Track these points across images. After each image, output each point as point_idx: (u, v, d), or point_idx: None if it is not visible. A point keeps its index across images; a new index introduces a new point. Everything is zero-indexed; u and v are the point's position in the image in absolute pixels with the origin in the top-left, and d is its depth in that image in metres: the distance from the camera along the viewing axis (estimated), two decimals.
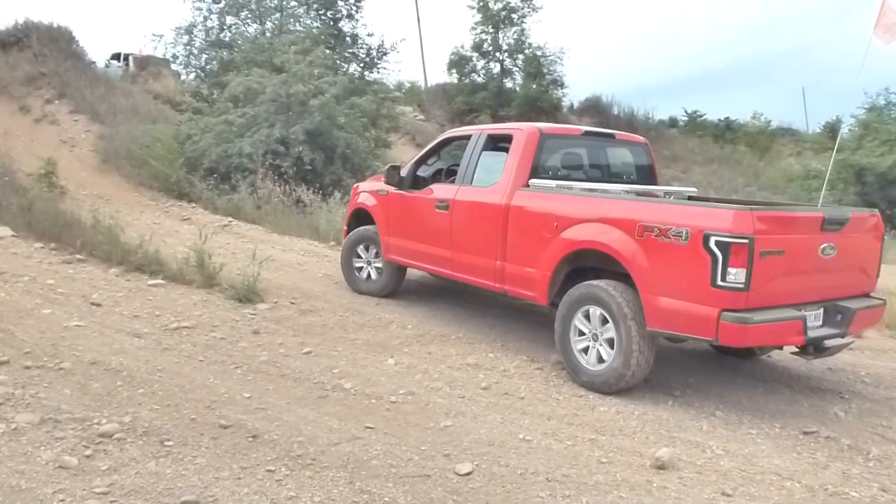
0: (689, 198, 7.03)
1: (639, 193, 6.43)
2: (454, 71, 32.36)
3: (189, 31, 18.68)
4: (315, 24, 18.65)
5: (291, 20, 18.47)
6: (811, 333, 5.02)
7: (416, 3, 34.96)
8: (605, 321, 5.40)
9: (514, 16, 30.86)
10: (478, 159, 6.97)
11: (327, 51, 17.70)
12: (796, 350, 5.34)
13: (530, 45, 31.18)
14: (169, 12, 38.98)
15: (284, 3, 19.29)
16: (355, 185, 9.23)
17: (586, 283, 5.58)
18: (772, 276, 4.78)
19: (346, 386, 5.33)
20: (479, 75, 32.29)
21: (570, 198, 5.96)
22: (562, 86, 31.23)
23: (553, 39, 44.35)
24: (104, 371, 5.33)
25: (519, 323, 7.50)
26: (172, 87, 24.68)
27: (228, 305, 7.61)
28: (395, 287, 8.39)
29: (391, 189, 7.92)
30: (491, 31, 31.36)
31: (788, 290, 4.97)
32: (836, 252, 5.13)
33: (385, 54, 18.86)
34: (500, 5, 30.82)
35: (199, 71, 19.33)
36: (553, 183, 6.40)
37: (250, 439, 4.25)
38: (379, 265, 8.40)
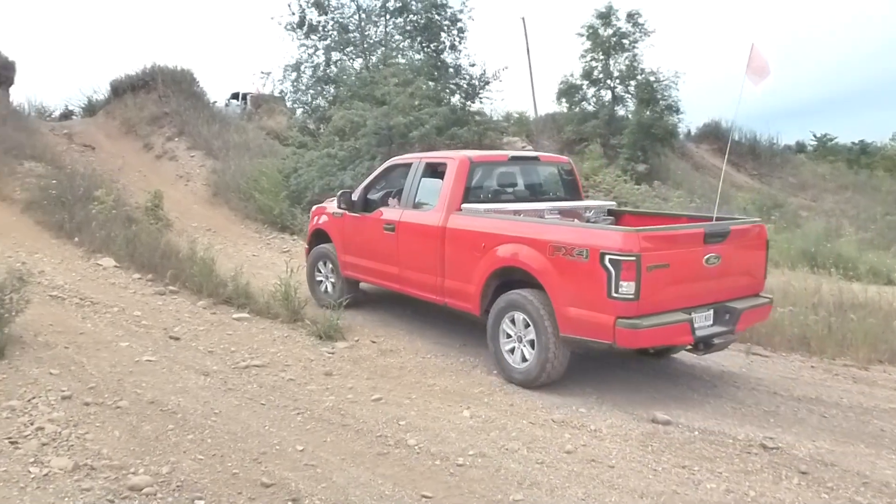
0: (609, 211, 7.82)
1: (560, 211, 7.35)
2: (563, 100, 31.67)
3: (297, 67, 18.95)
4: (418, 57, 18.50)
5: (395, 53, 18.40)
6: (699, 333, 5.72)
7: (525, 33, 34.62)
8: (527, 325, 6.09)
9: (626, 41, 29.90)
10: (418, 185, 7.61)
11: (430, 83, 17.51)
12: (689, 347, 6.11)
13: (643, 70, 30.04)
14: (281, 51, 40.10)
15: (388, 37, 19.31)
16: (314, 208, 9.76)
17: (511, 292, 6.24)
18: (659, 287, 5.44)
19: (411, 442, 4.79)
20: (589, 103, 31.45)
21: (495, 221, 6.57)
22: (677, 111, 29.85)
23: (667, 64, 42.94)
24: (160, 412, 5.06)
25: (618, 371, 6.73)
26: (284, 123, 25.29)
27: (308, 343, 7.28)
28: (350, 297, 8.60)
29: (345, 211, 8.47)
30: (601, 57, 30.52)
31: (677, 297, 5.63)
32: (720, 261, 5.83)
33: (487, 84, 18.48)
34: (610, 31, 29.97)
35: (305, 106, 19.57)
36: (482, 207, 7.00)
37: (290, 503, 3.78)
38: (333, 280, 8.99)
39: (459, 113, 17.49)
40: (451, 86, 18.80)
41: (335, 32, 19.15)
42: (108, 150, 21.08)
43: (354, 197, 8.35)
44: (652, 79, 29.97)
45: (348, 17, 19.60)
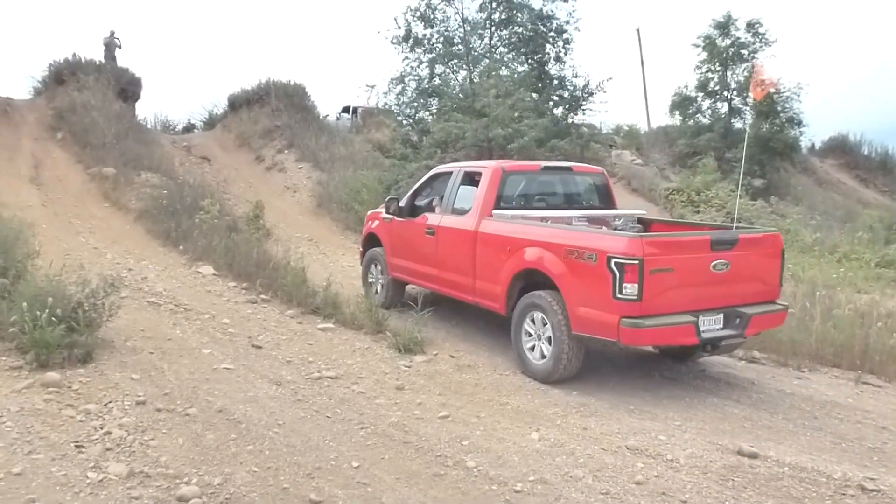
0: (639, 220, 8.20)
1: (589, 218, 7.68)
2: (677, 112, 30.50)
3: (401, 80, 19.14)
4: (521, 68, 18.29)
5: (498, 65, 18.26)
6: (706, 335, 5.97)
7: (640, 44, 33.81)
8: (545, 324, 6.43)
9: (745, 52, 28.47)
10: (457, 192, 8.05)
11: (533, 94, 17.26)
12: (699, 348, 6.45)
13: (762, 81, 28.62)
14: (387, 65, 40.67)
15: (493, 49, 19.21)
16: (369, 213, 10.26)
17: (531, 293, 6.61)
18: (662, 289, 5.73)
19: (470, 464, 4.54)
20: (704, 116, 30.13)
21: (519, 226, 6.98)
22: (799, 124, 28.17)
23: (789, 74, 40.69)
24: (226, 420, 5.06)
25: (709, 398, 6.25)
26: (390, 136, 25.65)
27: (387, 355, 7.17)
28: (396, 299, 9.21)
29: (394, 217, 8.97)
30: (718, 69, 29.21)
31: (683, 299, 5.91)
32: (728, 267, 6.06)
33: (591, 95, 18.05)
34: (728, 42, 28.67)
35: (409, 118, 19.72)
36: (510, 213, 7.38)
37: None
38: (383, 281, 9.44)
39: (561, 124, 17.14)
40: (554, 97, 18.48)
41: (440, 45, 19.23)
42: (222, 162, 21.97)
43: (402, 203, 8.89)
44: (772, 90, 28.45)
45: (454, 30, 19.64)
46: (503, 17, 19.05)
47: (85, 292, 6.64)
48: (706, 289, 6.05)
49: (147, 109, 49.82)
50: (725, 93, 29.68)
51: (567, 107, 18.31)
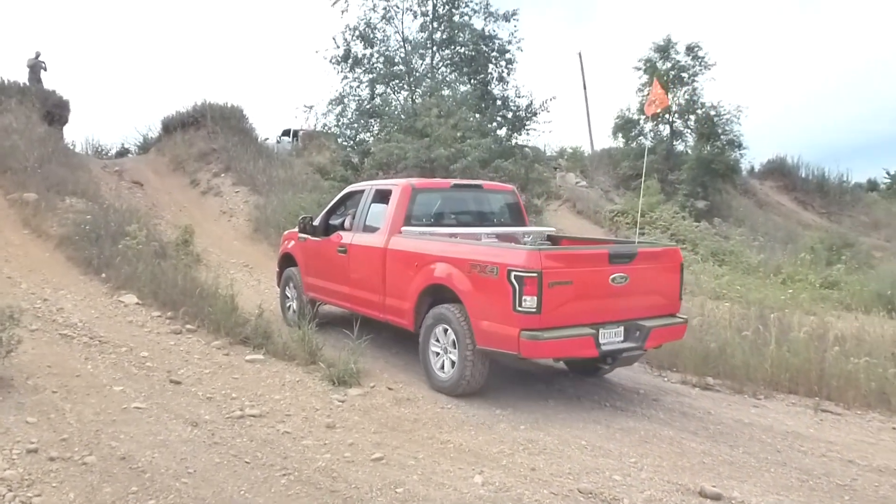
0: (549, 237, 8.36)
1: (498, 235, 7.86)
2: (620, 134, 30.71)
3: (340, 101, 18.65)
4: (464, 88, 17.97)
5: (441, 86, 17.91)
6: (606, 347, 6.07)
7: (582, 68, 34.08)
8: (451, 337, 6.43)
9: (685, 75, 28.86)
10: (368, 210, 8.06)
11: (476, 115, 16.94)
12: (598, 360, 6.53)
13: (703, 104, 28.93)
14: (326, 86, 39.80)
15: (435, 69, 18.88)
16: (286, 233, 10.29)
17: (438, 306, 6.61)
18: (562, 302, 5.78)
19: None
20: (646, 138, 30.44)
21: (425, 242, 7.04)
22: (739, 146, 28.53)
23: (728, 97, 41.46)
24: (128, 470, 4.45)
25: (664, 430, 5.88)
26: (331, 158, 25.11)
27: (319, 388, 6.63)
28: (310, 316, 8.58)
29: (308, 236, 8.99)
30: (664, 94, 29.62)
31: (583, 312, 5.97)
32: (627, 281, 6.13)
33: (535, 115, 17.80)
34: (668, 65, 29.04)
35: (349, 140, 19.21)
36: (417, 230, 7.42)
37: None
38: (298, 301, 9.42)
39: (505, 145, 16.86)
40: (498, 118, 18.21)
41: (380, 65, 18.82)
42: (155, 187, 21.13)
43: (315, 222, 8.97)
44: (713, 113, 28.86)
45: (394, 50, 19.27)
46: (444, 36, 18.74)
47: None
48: (606, 302, 6.13)
49: (78, 134, 48.21)
50: (667, 115, 30.00)
51: (511, 127, 18.03)
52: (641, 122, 30.39)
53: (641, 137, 30.60)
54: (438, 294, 6.68)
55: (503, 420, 5.90)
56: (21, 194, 15.56)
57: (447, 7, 18.90)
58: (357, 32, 18.74)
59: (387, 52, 19.09)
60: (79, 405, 5.68)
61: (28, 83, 22.19)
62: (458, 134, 14.88)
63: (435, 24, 18.86)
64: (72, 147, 22.80)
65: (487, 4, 18.74)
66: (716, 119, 28.81)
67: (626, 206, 25.86)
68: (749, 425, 6.01)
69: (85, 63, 65.72)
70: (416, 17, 18.91)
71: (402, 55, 19.11)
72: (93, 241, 12.34)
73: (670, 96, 29.36)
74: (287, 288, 9.83)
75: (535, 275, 5.63)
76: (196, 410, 5.74)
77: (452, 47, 19.05)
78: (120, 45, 75.11)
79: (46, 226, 13.96)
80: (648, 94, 8.30)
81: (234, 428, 5.37)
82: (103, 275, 11.17)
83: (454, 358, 6.43)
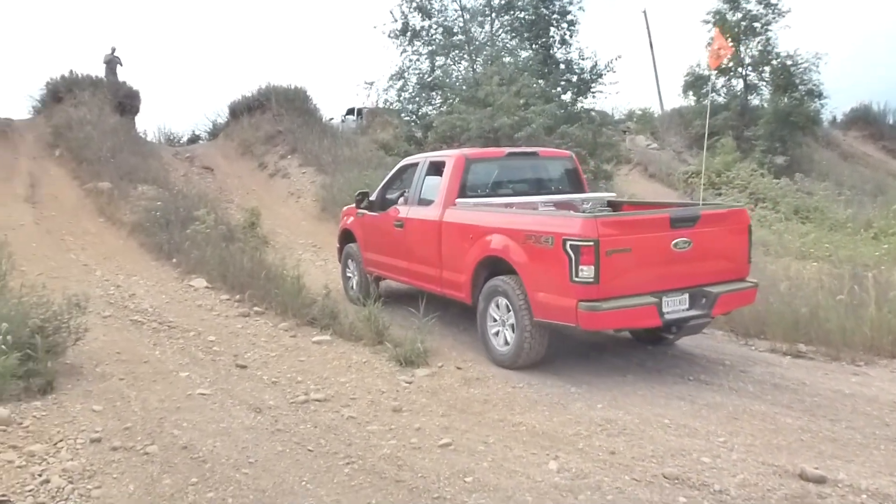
0: (609, 202, 7.92)
1: (556, 203, 7.60)
2: (690, 93, 29.50)
3: (400, 75, 18.39)
4: (525, 54, 17.45)
5: (502, 53, 17.43)
6: (670, 316, 5.85)
7: (647, 26, 32.87)
8: (508, 309, 6.29)
9: (757, 24, 27.41)
10: (422, 183, 7.94)
11: (539, 81, 16.43)
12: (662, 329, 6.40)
13: (778, 54, 27.46)
14: (386, 61, 39.23)
15: (495, 36, 18.40)
16: (345, 209, 10.14)
17: (495, 278, 6.46)
18: (621, 271, 5.57)
19: None
20: (719, 94, 29.17)
21: (480, 213, 6.91)
22: (819, 96, 27.03)
23: (806, 45, 39.21)
24: (189, 460, 4.34)
25: (754, 403, 5.46)
26: (394, 134, 24.93)
27: (386, 369, 6.42)
28: (374, 294, 8.43)
29: (366, 211, 8.97)
30: (731, 44, 28.23)
31: (644, 280, 5.71)
32: (690, 245, 5.87)
33: (600, 76, 17.16)
34: (738, 16, 27.63)
35: (412, 114, 18.97)
36: (472, 201, 7.27)
37: None
38: (358, 277, 9.42)
39: (570, 110, 16.31)
40: (562, 82, 17.64)
41: (439, 36, 18.46)
42: (224, 171, 21.36)
43: (373, 197, 8.91)
44: (789, 63, 27.36)
45: (453, 20, 18.88)
46: (503, 2, 18.24)
47: (45, 315, 5.97)
48: (668, 268, 5.88)
49: (150, 123, 49.44)
50: (740, 69, 28.65)
51: (575, 91, 17.45)
52: (713, 77, 29.13)
53: (713, 94, 29.35)
54: (494, 266, 6.54)
55: (578, 398, 5.56)
56: (96, 183, 15.98)
57: None
58: (414, 4, 18.43)
59: (445, 23, 18.73)
60: (144, 392, 5.63)
61: (104, 78, 22.67)
62: (521, 101, 14.44)
63: None
64: (143, 136, 23.25)
65: None
66: (792, 69, 27.32)
67: (700, 167, 24.88)
68: (850, 396, 5.50)
69: (155, 54, 67.34)
70: None
71: (461, 24, 18.71)
72: (163, 226, 12.52)
73: (742, 48, 28.03)
74: (347, 264, 9.79)
75: (591, 243, 5.42)
76: (260, 395, 5.62)
77: (512, 12, 18.55)
78: (187, 35, 76.67)
79: (120, 213, 14.26)
80: (711, 46, 7.93)
81: (297, 413, 5.22)
82: (174, 260, 11.30)
83: (512, 331, 6.28)
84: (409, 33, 18.44)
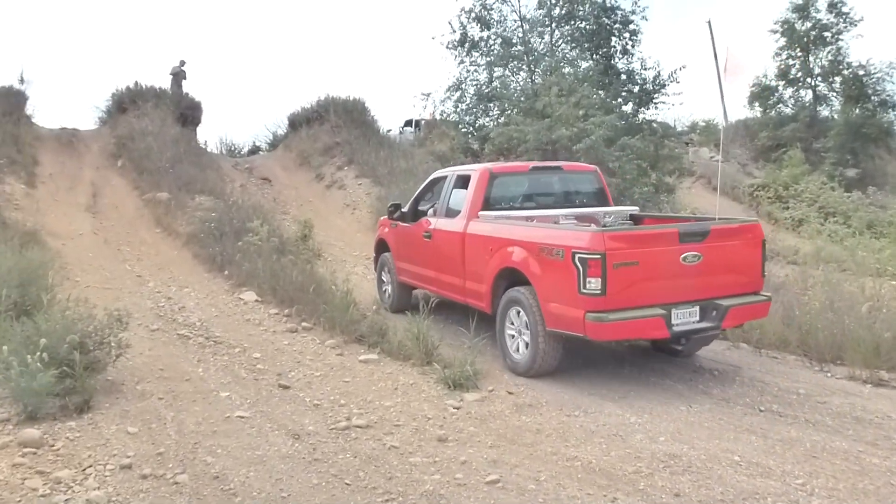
0: (631, 216, 8.08)
1: (577, 217, 7.71)
2: (756, 104, 28.56)
3: (458, 86, 18.17)
4: (585, 65, 17.04)
5: (561, 63, 17.05)
6: (679, 328, 5.97)
7: (712, 35, 31.92)
8: (523, 319, 6.46)
9: (828, 34, 26.39)
10: (450, 195, 8.17)
11: (599, 91, 15.99)
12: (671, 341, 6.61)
13: (849, 64, 26.38)
14: (444, 72, 38.93)
15: (555, 47, 18.03)
16: (381, 219, 10.47)
17: (512, 289, 6.66)
18: (629, 283, 5.71)
19: None
20: (786, 105, 28.15)
21: (499, 226, 7.09)
22: (893, 107, 25.87)
23: (879, 54, 37.59)
24: (219, 492, 4.10)
25: (833, 438, 4.97)
26: (450, 146, 24.70)
27: (434, 393, 6.10)
28: (403, 305, 9.17)
29: (399, 222, 9.25)
30: (799, 54, 27.18)
31: (653, 293, 5.84)
32: (700, 259, 5.95)
33: (663, 87, 16.60)
34: (808, 25, 26.64)
35: (469, 126, 18.71)
36: (494, 214, 7.46)
37: None
38: (392, 285, 9.62)
39: (631, 121, 15.81)
40: (623, 93, 17.15)
41: (498, 47, 18.19)
42: (282, 182, 21.43)
43: (405, 208, 9.18)
44: (861, 73, 26.24)
45: (512, 30, 18.60)
46: (563, 11, 17.87)
47: (87, 330, 5.84)
48: (678, 281, 5.98)
49: (212, 134, 50.47)
50: (809, 79, 27.69)
51: (637, 102, 16.94)
52: (780, 88, 28.16)
53: (780, 104, 28.37)
54: (512, 277, 6.71)
55: (639, 430, 5.15)
56: (154, 194, 16.14)
57: None
58: (473, 15, 18.24)
59: (504, 33, 18.47)
60: (182, 413, 5.44)
61: (170, 90, 23.05)
62: (581, 112, 14.02)
63: (553, 0, 18.00)
64: (204, 147, 23.52)
65: None
66: (865, 79, 26.24)
67: (766, 180, 23.99)
68: None
69: (219, 66, 68.89)
70: None
71: (520, 35, 18.41)
72: (217, 238, 12.47)
73: (811, 58, 27.04)
74: (383, 273, 9.99)
75: (598, 256, 5.60)
76: (300, 420, 5.36)
77: (572, 22, 18.17)
78: (251, 47, 78.22)
79: (176, 224, 14.33)
80: (725, 65, 8.20)
81: (337, 441, 4.94)
82: (226, 272, 11.22)
83: (527, 340, 6.44)
84: (467, 44, 18.24)
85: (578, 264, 5.67)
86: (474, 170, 7.99)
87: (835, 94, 27.41)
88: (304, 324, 8.56)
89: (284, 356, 7.28)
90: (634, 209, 8.65)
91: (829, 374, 6.67)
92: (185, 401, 5.75)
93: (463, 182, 8.04)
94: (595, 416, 5.45)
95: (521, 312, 6.48)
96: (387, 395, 6.05)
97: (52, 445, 4.67)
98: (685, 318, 5.99)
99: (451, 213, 8.00)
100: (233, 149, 27.23)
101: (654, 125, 16.69)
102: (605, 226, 7.51)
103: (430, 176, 9.30)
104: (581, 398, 5.86)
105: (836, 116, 26.65)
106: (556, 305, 6.01)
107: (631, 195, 14.06)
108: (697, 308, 6.04)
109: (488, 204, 7.60)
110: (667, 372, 6.68)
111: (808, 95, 27.86)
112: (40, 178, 17.12)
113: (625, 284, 5.69)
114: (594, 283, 5.61)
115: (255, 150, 27.70)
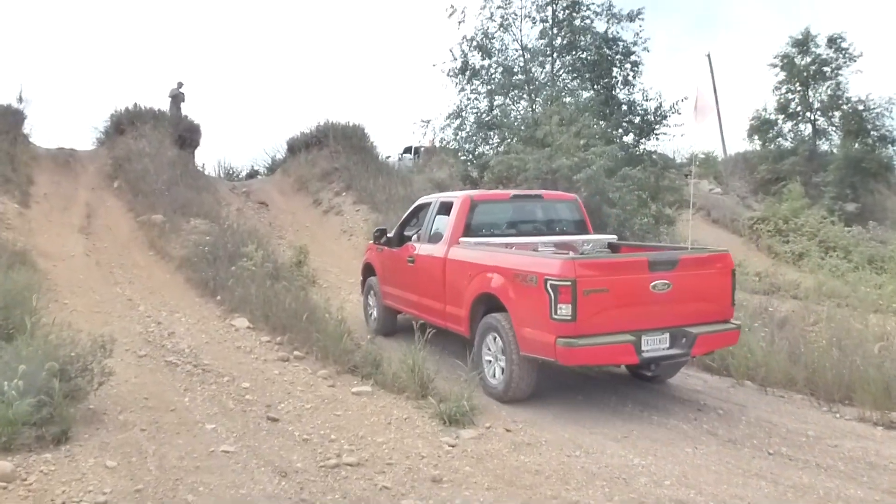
0: (609, 244, 8.37)
1: (556, 244, 7.95)
2: (756, 137, 28.62)
3: (458, 114, 18.11)
4: (587, 95, 17.01)
5: (562, 93, 17.00)
6: (648, 354, 6.13)
7: (711, 69, 32.13)
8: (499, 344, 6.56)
9: (827, 69, 26.54)
10: (433, 221, 8.39)
11: (600, 122, 15.91)
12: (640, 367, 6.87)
13: (849, 99, 26.50)
14: (444, 100, 39.01)
15: (556, 77, 18.00)
16: (369, 243, 10.65)
17: (489, 315, 6.78)
18: (598, 309, 5.88)
19: None
20: (785, 139, 28.22)
21: (477, 252, 7.30)
22: (893, 143, 25.93)
23: (878, 89, 37.83)
24: None
25: (852, 486, 4.73)
26: (449, 173, 24.58)
27: (429, 428, 5.85)
28: (388, 328, 9.65)
29: (384, 247, 9.47)
30: (799, 88, 27.32)
31: (623, 319, 6.00)
32: (670, 287, 6.10)
33: (664, 118, 16.56)
34: (808, 59, 26.78)
35: (468, 153, 18.64)
36: (474, 240, 7.63)
37: None
38: (377, 309, 9.83)
39: (632, 152, 15.72)
40: (624, 123, 17.09)
41: (499, 75, 18.16)
42: (279, 207, 21.28)
43: (390, 234, 9.43)
44: (861, 107, 26.32)
45: (513, 59, 18.60)
46: (565, 42, 17.91)
47: (68, 357, 5.61)
48: (647, 308, 6.10)
49: (210, 157, 50.48)
50: (808, 113, 27.79)
51: (638, 133, 16.88)
52: (779, 122, 28.23)
53: (779, 139, 28.43)
54: (490, 302, 6.84)
55: (642, 472, 4.91)
56: (149, 216, 15.96)
57: (567, 11, 18.03)
58: (474, 43, 18.26)
59: (505, 62, 18.50)
60: (164, 446, 5.18)
61: (168, 111, 22.95)
62: (582, 142, 13.92)
63: (555, 30, 18.10)
64: (202, 170, 23.39)
65: (610, 6, 17.76)
66: (864, 114, 26.39)
67: (766, 213, 23.90)
68: None
69: (219, 89, 69.17)
70: (534, 23, 18.25)
71: (521, 64, 18.44)
72: (210, 262, 12.25)
73: (810, 93, 27.16)
74: (369, 296, 10.19)
75: (569, 283, 5.75)
76: (288, 456, 5.11)
77: (574, 53, 18.20)
78: (252, 71, 78.64)
79: (170, 247, 14.11)
80: (695, 102, 8.48)
81: (326, 480, 4.68)
82: (218, 297, 10.98)
83: (503, 365, 6.54)
84: (468, 72, 18.25)
85: (550, 290, 5.82)
86: (456, 197, 8.21)
87: (834, 128, 27.55)
88: (296, 352, 8.31)
89: (275, 386, 7.03)
90: (612, 237, 8.88)
91: (838, 415, 6.45)
92: (169, 433, 5.49)
93: (446, 209, 8.22)
94: (597, 456, 5.21)
95: (497, 338, 6.60)
96: (379, 430, 5.80)
97: (25, 479, 4.41)
98: (655, 345, 6.11)
99: (433, 239, 8.21)
100: (231, 172, 27.16)
101: (655, 156, 16.59)
102: (583, 253, 7.80)
103: (416, 202, 9.51)
104: (582, 437, 5.62)
105: (835, 151, 26.73)
106: (529, 330, 6.14)
107: (631, 226, 13.92)
108: (668, 335, 6.16)
109: (469, 230, 7.78)
110: (670, 410, 6.45)
111: (807, 129, 28.01)
112: (34, 197, 16.97)
113: (595, 311, 5.84)
114: (565, 309, 5.75)
115: (253, 174, 27.60)
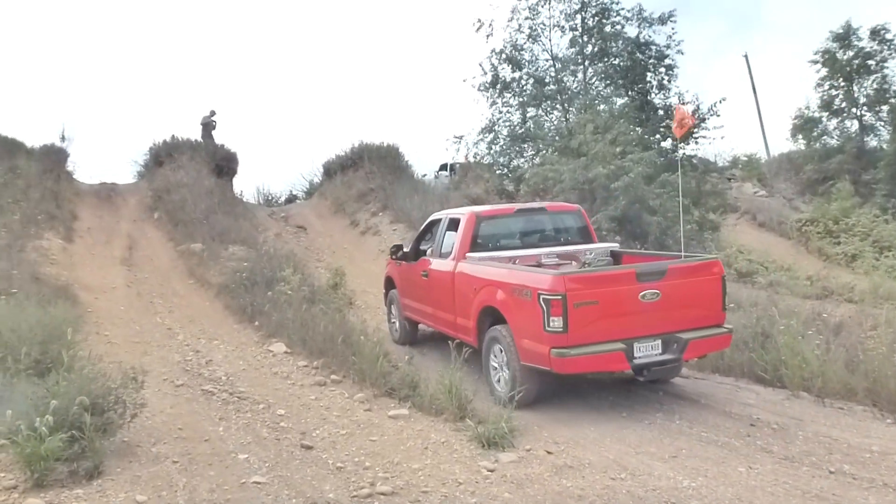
0: (611, 252, 8.53)
1: (559, 255, 8.22)
2: (800, 136, 27.84)
3: (491, 128, 17.96)
4: (620, 101, 16.71)
5: (596, 101, 16.74)
6: (640, 361, 6.43)
7: (749, 69, 31.48)
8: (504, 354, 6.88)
9: (871, 62, 25.72)
10: (443, 237, 8.77)
11: (636, 128, 15.61)
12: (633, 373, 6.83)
13: None
14: (476, 115, 38.95)
15: (588, 85, 17.75)
16: (390, 258, 10.70)
17: (493, 327, 7.10)
18: (589, 321, 6.20)
19: None
20: (831, 137, 27.38)
21: (482, 266, 7.56)
22: None
23: None
24: None
25: None
26: (486, 189, 24.41)
27: (467, 452, 5.65)
28: (410, 338, 10.14)
29: (402, 262, 9.87)
30: (843, 84, 26.51)
31: (614, 328, 6.32)
32: (659, 297, 6.40)
33: (703, 120, 16.16)
34: (850, 53, 26.01)
35: (503, 167, 18.45)
36: (478, 255, 7.91)
37: None
38: (398, 320, 10.34)
39: (670, 157, 15.35)
40: (661, 128, 16.73)
41: (530, 87, 17.98)
42: (317, 230, 21.35)
43: (406, 248, 9.92)
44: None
45: (544, 70, 18.41)
46: (596, 49, 17.66)
47: (100, 390, 5.55)
48: (638, 317, 6.36)
49: (250, 184, 51.04)
50: (854, 109, 26.92)
51: (676, 137, 16.50)
52: (824, 119, 27.45)
53: (825, 136, 27.61)
54: (494, 315, 7.15)
55: (693, 496, 4.62)
56: (189, 245, 16.10)
57: (597, 18, 17.80)
58: (504, 56, 18.12)
59: (536, 73, 18.31)
60: (195, 478, 5.07)
61: (201, 139, 23.27)
62: (618, 149, 13.63)
63: (585, 38, 17.88)
64: (240, 197, 23.62)
65: (640, 10, 17.47)
66: None
67: (814, 214, 23.16)
68: None
69: (257, 116, 70.18)
70: (564, 32, 18.07)
71: (553, 74, 18.21)
72: (248, 288, 12.23)
73: (855, 88, 26.36)
74: (391, 308, 10.72)
75: (559, 297, 6.06)
76: (321, 486, 4.95)
77: (605, 59, 17.94)
78: (285, 97, 79.71)
79: (209, 275, 14.17)
80: (674, 119, 9.15)
81: None
82: (256, 322, 10.95)
83: (507, 374, 6.84)
84: (499, 85, 18.10)
85: (543, 304, 6.13)
86: (463, 213, 8.61)
87: (882, 123, 26.60)
88: (332, 376, 8.19)
89: (310, 412, 6.90)
90: (615, 245, 9.14)
91: None
92: (201, 464, 5.38)
93: (454, 225, 8.57)
94: (644, 479, 4.94)
95: (501, 348, 6.92)
96: (416, 455, 5.61)
97: None
98: (647, 352, 6.38)
99: (444, 254, 8.58)
100: (270, 198, 27.40)
101: (695, 161, 16.19)
102: (585, 263, 8.17)
103: (429, 219, 9.84)
104: (627, 458, 5.36)
105: (885, 146, 25.77)
106: (527, 341, 6.45)
107: (673, 234, 13.54)
108: (660, 341, 6.41)
109: (476, 245, 8.12)
110: (721, 426, 6.13)
111: (853, 126, 27.11)
112: (78, 232, 17.27)
113: (586, 322, 6.14)
114: (557, 322, 6.06)
115: (291, 199, 27.81)
